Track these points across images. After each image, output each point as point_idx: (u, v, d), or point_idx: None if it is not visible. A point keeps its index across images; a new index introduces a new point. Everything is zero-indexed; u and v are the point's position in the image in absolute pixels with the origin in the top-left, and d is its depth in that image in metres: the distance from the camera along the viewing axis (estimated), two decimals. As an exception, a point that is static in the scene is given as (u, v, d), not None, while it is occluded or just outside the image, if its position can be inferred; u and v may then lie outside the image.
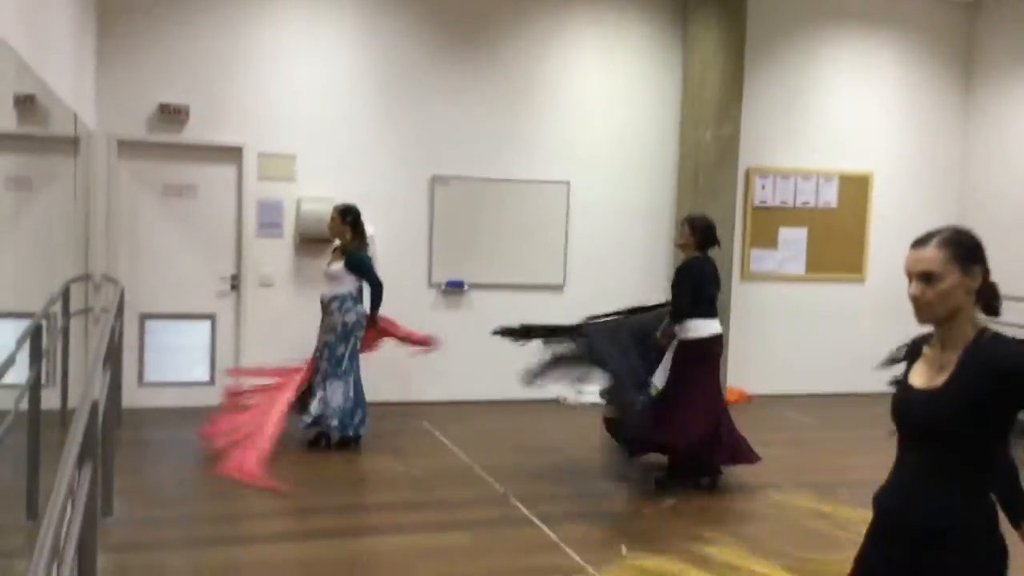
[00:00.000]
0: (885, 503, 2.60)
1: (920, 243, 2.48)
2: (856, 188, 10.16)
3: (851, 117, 10.09)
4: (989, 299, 2.51)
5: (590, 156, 9.31)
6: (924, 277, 2.44)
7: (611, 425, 6.63)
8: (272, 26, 8.43)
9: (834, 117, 10.04)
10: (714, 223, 6.65)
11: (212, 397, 8.39)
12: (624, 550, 5.29)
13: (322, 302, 7.24)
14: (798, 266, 10.01)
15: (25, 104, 4.77)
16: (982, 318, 2.52)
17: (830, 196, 10.08)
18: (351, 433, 7.17)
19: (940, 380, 2.46)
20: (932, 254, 2.44)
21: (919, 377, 2.54)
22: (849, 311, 10.01)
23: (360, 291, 7.23)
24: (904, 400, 2.56)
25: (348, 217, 7.20)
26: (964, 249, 2.46)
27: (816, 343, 9.94)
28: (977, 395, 2.39)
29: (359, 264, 7.16)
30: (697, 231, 6.53)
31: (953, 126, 10.45)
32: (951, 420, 2.42)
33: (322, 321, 7.25)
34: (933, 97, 10.34)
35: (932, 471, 2.48)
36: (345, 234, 7.20)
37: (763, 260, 9.92)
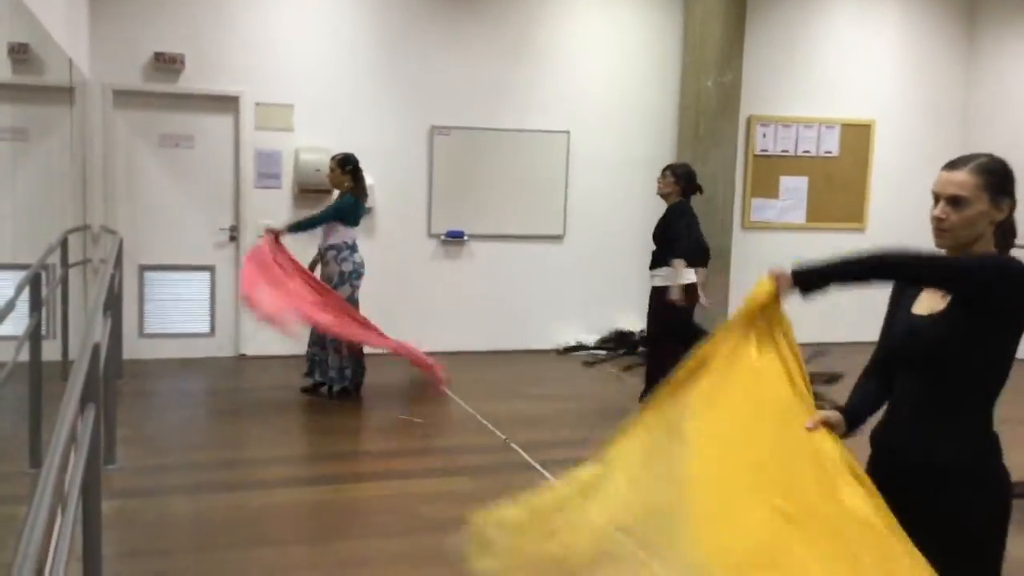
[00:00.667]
0: (883, 439, 2.58)
1: (953, 166, 2.42)
2: (858, 136, 10.10)
3: (853, 65, 9.99)
4: (1007, 234, 2.46)
5: (590, 106, 9.23)
6: (952, 200, 2.38)
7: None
8: (267, -27, 8.32)
9: (836, 65, 9.94)
10: (695, 171, 6.72)
11: (212, 348, 8.45)
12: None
13: (319, 252, 7.23)
14: (799, 215, 9.98)
15: (20, 52, 4.71)
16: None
17: (831, 144, 10.02)
18: (348, 385, 7.18)
19: (943, 305, 2.42)
20: (964, 178, 2.38)
21: (922, 306, 2.49)
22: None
23: (354, 240, 7.19)
24: (907, 329, 2.50)
25: (347, 166, 7.15)
26: (997, 178, 2.39)
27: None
28: (976, 317, 2.34)
29: (340, 205, 7.11)
30: (681, 178, 6.62)
31: (955, 74, 10.35)
32: (952, 344, 2.37)
33: (321, 272, 7.24)
34: (936, 45, 10.23)
35: (931, 404, 2.44)
36: (344, 184, 7.16)
37: (764, 209, 9.88)
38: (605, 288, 9.26)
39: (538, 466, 5.69)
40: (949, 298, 2.42)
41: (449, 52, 8.78)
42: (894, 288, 2.63)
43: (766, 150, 9.80)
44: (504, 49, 8.94)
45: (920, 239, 2.59)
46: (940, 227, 2.41)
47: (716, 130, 9.04)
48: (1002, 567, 2.46)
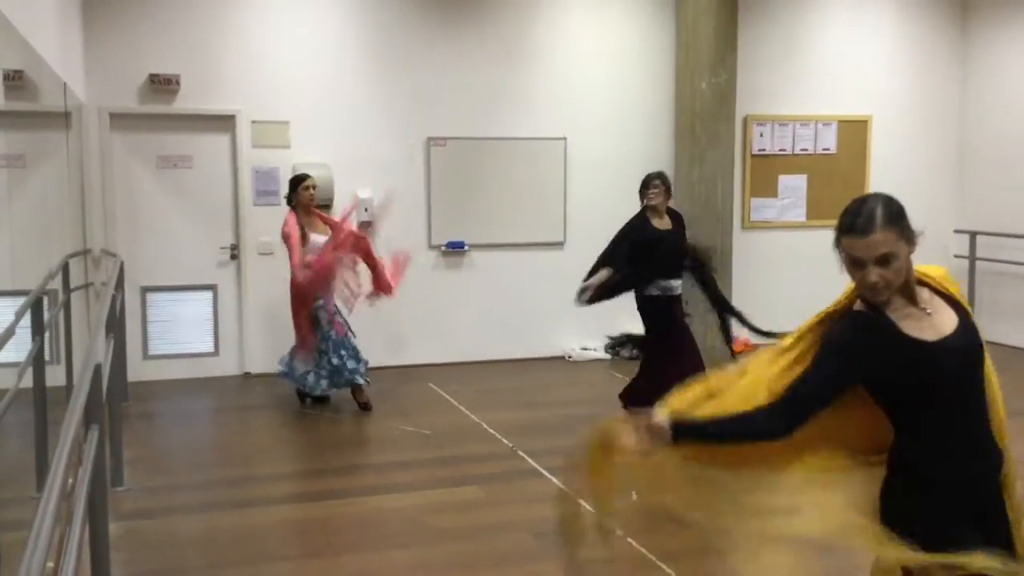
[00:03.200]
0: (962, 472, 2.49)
1: (863, 230, 2.37)
2: (855, 133, 10.09)
3: (848, 61, 9.98)
4: None
5: (586, 111, 9.24)
6: (882, 260, 2.37)
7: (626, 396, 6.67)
8: (259, -9, 8.35)
9: (831, 62, 9.94)
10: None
11: (217, 367, 8.44)
12: (634, 495, 5.30)
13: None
14: (799, 213, 9.96)
15: (14, 79, 4.72)
16: None
17: (829, 142, 10.01)
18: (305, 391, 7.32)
19: (949, 327, 2.46)
20: (884, 236, 2.37)
21: (923, 333, 2.45)
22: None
23: None
24: (937, 356, 2.42)
25: (291, 185, 7.32)
26: (903, 220, 2.41)
27: (819, 290, 9.86)
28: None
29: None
30: (669, 186, 6.67)
31: (951, 67, 10.35)
32: (981, 359, 2.48)
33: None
34: (930, 38, 10.23)
35: (975, 419, 2.49)
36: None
37: (764, 208, 9.87)
38: (608, 293, 9.23)
39: (546, 473, 5.68)
40: (945, 314, 2.49)
41: (442, 63, 8.79)
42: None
43: (763, 149, 9.80)
44: (497, 58, 8.95)
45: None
46: (878, 288, 2.40)
47: (712, 131, 9.03)
48: None
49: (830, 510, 2.47)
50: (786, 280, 9.80)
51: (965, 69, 10.33)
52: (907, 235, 2.40)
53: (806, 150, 9.95)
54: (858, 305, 2.51)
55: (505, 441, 6.38)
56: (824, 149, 10.00)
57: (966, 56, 10.31)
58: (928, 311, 2.46)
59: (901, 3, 10.09)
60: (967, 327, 2.48)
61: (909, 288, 2.46)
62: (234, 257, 8.44)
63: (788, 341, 2.63)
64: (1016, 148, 9.65)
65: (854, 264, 2.42)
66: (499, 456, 6.09)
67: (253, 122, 8.34)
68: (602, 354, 9.31)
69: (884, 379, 2.44)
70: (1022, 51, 9.73)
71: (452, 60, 8.82)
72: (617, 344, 9.30)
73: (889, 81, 10.15)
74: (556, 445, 6.27)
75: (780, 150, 9.87)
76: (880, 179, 10.03)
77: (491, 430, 6.67)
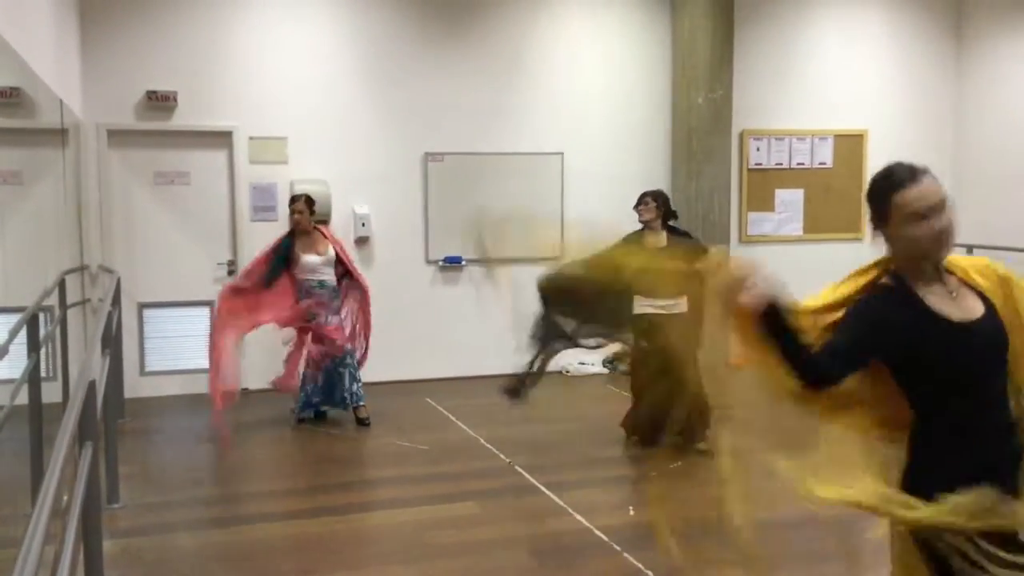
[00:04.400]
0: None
1: (917, 178, 2.37)
2: (851, 147, 10.11)
3: (843, 76, 10.01)
4: None
5: (583, 126, 9.25)
6: (942, 207, 2.35)
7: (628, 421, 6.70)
8: (257, 7, 8.37)
9: (826, 76, 9.97)
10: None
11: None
12: (631, 511, 5.29)
13: (329, 288, 7.27)
14: (796, 227, 9.97)
15: (11, 96, 4.73)
16: None
17: (825, 156, 10.03)
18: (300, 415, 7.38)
19: (976, 312, 2.39)
20: (937, 184, 2.39)
21: (950, 313, 2.39)
22: (849, 270, 9.95)
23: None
24: (963, 336, 2.35)
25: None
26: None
27: (817, 304, 9.92)
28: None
29: None
30: (663, 203, 6.62)
31: (946, 80, 10.38)
32: (1005, 349, 2.38)
33: (328, 306, 7.25)
34: (925, 52, 10.26)
35: (996, 407, 2.38)
36: None
37: (761, 223, 9.87)
38: (605, 308, 9.24)
39: (544, 488, 5.66)
40: (971, 296, 2.42)
41: (440, 79, 8.81)
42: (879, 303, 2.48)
43: (760, 164, 9.81)
44: (495, 74, 8.97)
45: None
46: (945, 237, 2.35)
47: (709, 146, 9.05)
48: None
49: (853, 470, 2.42)
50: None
51: (960, 83, 10.36)
52: None
53: (803, 164, 9.97)
54: (885, 279, 2.46)
55: (502, 456, 6.36)
56: (820, 163, 10.01)
57: (961, 70, 10.34)
58: (954, 295, 2.41)
59: (896, 18, 10.13)
60: (994, 317, 2.40)
61: (939, 264, 2.42)
62: (231, 273, 8.42)
63: (828, 299, 2.60)
64: (1012, 162, 9.67)
65: (915, 219, 2.34)
66: (496, 472, 6.07)
67: (250, 138, 8.35)
68: (599, 369, 9.30)
69: (910, 356, 2.37)
70: (1017, 65, 9.76)
71: (449, 76, 8.84)
72: (614, 358, 9.28)
73: (885, 95, 10.18)
74: (553, 461, 6.27)
75: (777, 164, 9.89)
76: (877, 193, 10.05)
77: (488, 445, 6.65)
